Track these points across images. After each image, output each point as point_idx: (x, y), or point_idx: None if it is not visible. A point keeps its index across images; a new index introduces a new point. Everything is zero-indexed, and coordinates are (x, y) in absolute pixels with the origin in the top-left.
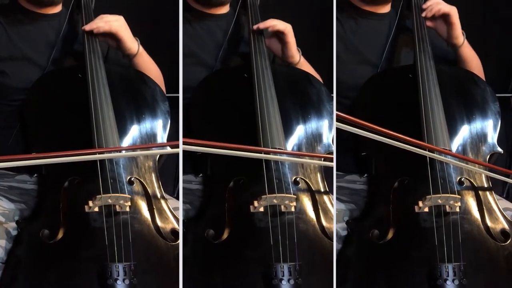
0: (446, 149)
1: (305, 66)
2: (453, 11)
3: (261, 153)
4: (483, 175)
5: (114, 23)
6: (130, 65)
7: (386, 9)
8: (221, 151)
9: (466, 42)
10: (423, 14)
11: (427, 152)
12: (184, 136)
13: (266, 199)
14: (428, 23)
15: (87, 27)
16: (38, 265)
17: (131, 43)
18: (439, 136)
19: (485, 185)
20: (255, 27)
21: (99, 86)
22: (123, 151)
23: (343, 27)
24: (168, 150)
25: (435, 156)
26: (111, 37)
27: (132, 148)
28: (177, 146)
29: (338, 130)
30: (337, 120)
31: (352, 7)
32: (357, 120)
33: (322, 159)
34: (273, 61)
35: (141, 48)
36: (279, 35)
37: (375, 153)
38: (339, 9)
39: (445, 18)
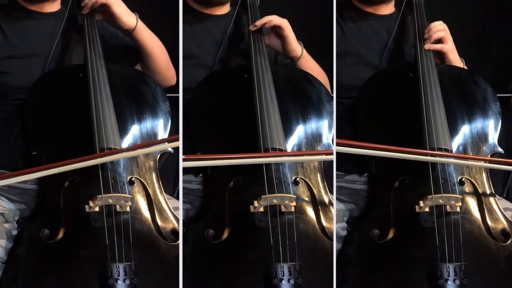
0: (447, 150)
1: (308, 59)
2: (445, 48)
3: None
4: (483, 175)
5: None
6: (131, 38)
7: (387, 10)
8: (221, 162)
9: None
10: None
11: (429, 157)
12: (184, 135)
13: (266, 199)
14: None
15: (85, 10)
16: (39, 265)
17: (127, 18)
18: (440, 136)
19: (486, 185)
20: (251, 27)
21: (100, 85)
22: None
23: (343, 28)
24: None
25: (437, 159)
26: (106, 12)
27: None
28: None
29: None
30: (337, 145)
31: (352, 8)
32: (357, 143)
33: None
34: (275, 60)
35: (140, 22)
36: (277, 31)
37: None
38: (340, 10)
39: (440, 54)
